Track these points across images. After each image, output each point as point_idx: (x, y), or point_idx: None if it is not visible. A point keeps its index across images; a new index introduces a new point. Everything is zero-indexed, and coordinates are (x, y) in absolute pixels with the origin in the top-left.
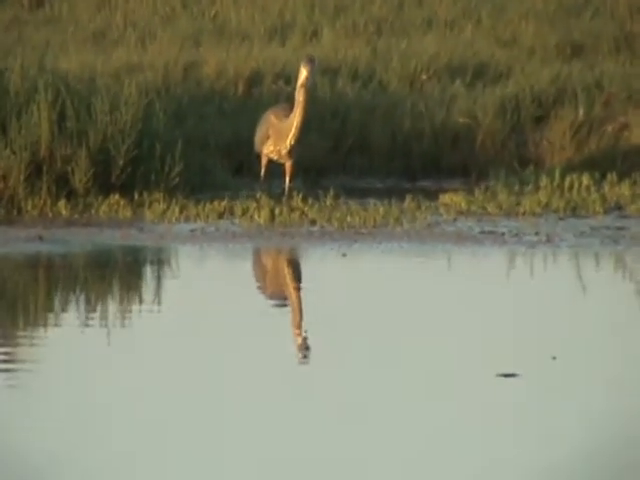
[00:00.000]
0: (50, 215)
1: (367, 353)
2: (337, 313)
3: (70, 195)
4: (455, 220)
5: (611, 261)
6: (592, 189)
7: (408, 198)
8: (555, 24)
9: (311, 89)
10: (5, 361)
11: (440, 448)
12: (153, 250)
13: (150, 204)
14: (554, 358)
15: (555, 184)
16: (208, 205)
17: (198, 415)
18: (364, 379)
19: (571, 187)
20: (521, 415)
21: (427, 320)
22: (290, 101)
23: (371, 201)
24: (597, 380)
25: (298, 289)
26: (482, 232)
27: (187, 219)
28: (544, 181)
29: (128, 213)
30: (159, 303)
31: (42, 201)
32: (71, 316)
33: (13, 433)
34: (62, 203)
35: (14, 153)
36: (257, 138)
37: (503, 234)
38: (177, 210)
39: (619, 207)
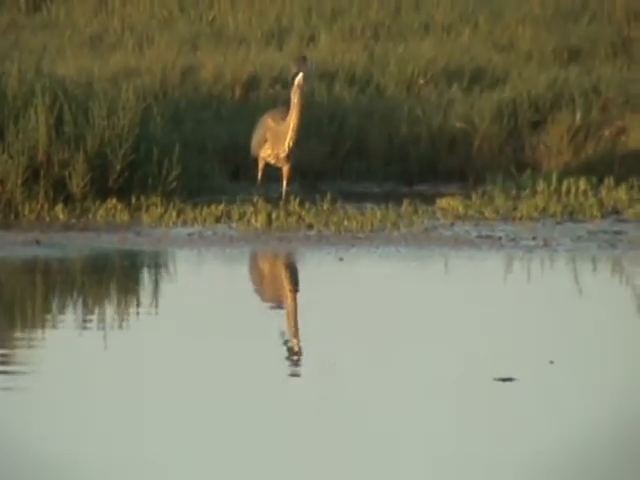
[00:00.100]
0: (47, 219)
1: (364, 357)
2: (334, 317)
3: (67, 199)
4: (452, 224)
5: (608, 265)
6: (589, 193)
7: (405, 202)
8: (552, 29)
9: (306, 91)
10: (3, 363)
11: (438, 452)
12: (150, 254)
13: (147, 208)
14: (551, 362)
15: (552, 188)
16: (205, 209)
17: (198, 415)
18: (361, 383)
19: (568, 191)
20: (518, 419)
21: (424, 324)
22: (287, 105)
23: (368, 205)
24: (594, 384)
25: (295, 293)
26: (479, 236)
27: (184, 223)
28: (541, 185)
29: (125, 217)
30: (156, 307)
31: (39, 205)
32: (68, 319)
33: (11, 435)
34: (59, 207)
35: (11, 157)
36: (254, 142)
37: (500, 238)
38: (174, 214)
39: (616, 211)
